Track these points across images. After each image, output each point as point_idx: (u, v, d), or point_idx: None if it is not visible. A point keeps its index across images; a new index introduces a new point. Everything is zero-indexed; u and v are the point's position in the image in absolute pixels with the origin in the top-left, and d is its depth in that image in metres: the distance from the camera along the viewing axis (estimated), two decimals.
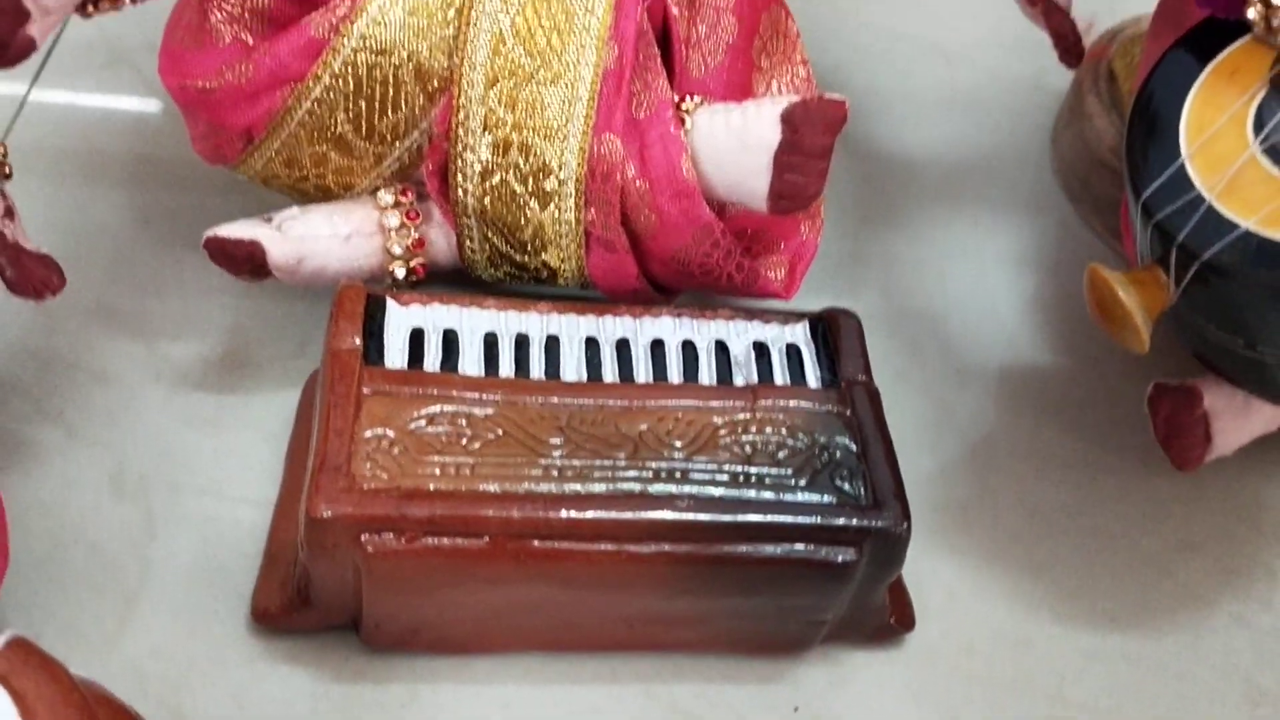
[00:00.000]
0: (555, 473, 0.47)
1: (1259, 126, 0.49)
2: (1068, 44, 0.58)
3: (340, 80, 0.52)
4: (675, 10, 0.56)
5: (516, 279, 0.57)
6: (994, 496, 0.60)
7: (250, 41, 0.54)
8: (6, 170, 0.48)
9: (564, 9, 0.52)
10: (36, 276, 0.47)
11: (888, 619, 0.53)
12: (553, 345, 0.51)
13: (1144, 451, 0.61)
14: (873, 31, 0.84)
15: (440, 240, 0.56)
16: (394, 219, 0.55)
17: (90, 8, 0.46)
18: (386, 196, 0.55)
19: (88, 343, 0.58)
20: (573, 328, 0.52)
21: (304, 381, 0.57)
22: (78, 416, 0.55)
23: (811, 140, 0.51)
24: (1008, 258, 0.70)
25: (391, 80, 0.52)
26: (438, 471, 0.46)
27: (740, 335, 0.53)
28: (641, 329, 0.53)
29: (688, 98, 0.54)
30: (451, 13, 0.52)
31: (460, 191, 0.53)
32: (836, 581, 0.48)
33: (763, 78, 0.59)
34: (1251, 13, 0.50)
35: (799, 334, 0.54)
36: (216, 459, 0.55)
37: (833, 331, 0.54)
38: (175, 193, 0.63)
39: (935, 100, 0.79)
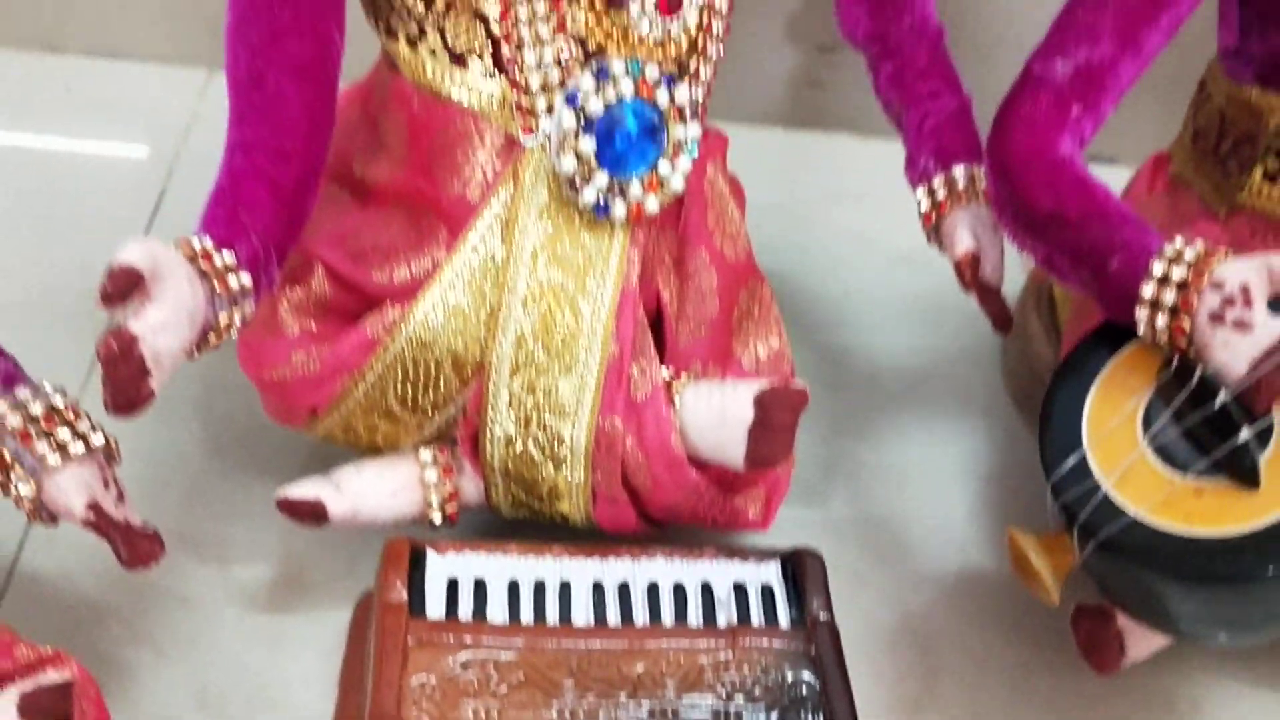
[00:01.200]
0: (568, 714, 0.58)
1: (1147, 425, 0.59)
2: (999, 320, 0.69)
3: (390, 370, 0.63)
4: (666, 295, 0.67)
5: (534, 520, 0.67)
6: (941, 694, 0.70)
7: (314, 328, 0.65)
8: (117, 457, 0.58)
9: (574, 314, 0.62)
10: (143, 551, 0.57)
11: None
12: (565, 591, 0.62)
13: (1074, 654, 0.71)
14: (843, 238, 0.95)
15: (471, 490, 0.66)
16: (433, 474, 0.65)
17: (195, 353, 0.56)
18: (426, 454, 0.66)
19: (171, 568, 0.68)
20: (582, 572, 0.63)
21: (354, 600, 0.68)
22: (165, 638, 0.66)
23: (779, 419, 0.62)
24: (960, 467, 0.81)
25: (433, 368, 0.63)
26: (470, 715, 0.57)
27: (723, 576, 0.64)
28: (639, 571, 0.63)
29: (680, 375, 0.65)
30: (484, 314, 0.63)
31: (488, 455, 0.64)
32: None
33: (742, 343, 0.70)
34: (1140, 313, 0.60)
35: (772, 573, 0.64)
36: (282, 676, 0.65)
37: (800, 572, 0.64)
38: (243, 425, 0.74)
39: (899, 306, 0.90)
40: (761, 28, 0.97)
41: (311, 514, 0.64)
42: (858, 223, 0.95)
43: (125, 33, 0.97)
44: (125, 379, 0.52)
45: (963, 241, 0.69)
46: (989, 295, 0.68)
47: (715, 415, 0.63)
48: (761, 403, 0.62)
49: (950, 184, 0.70)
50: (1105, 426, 0.60)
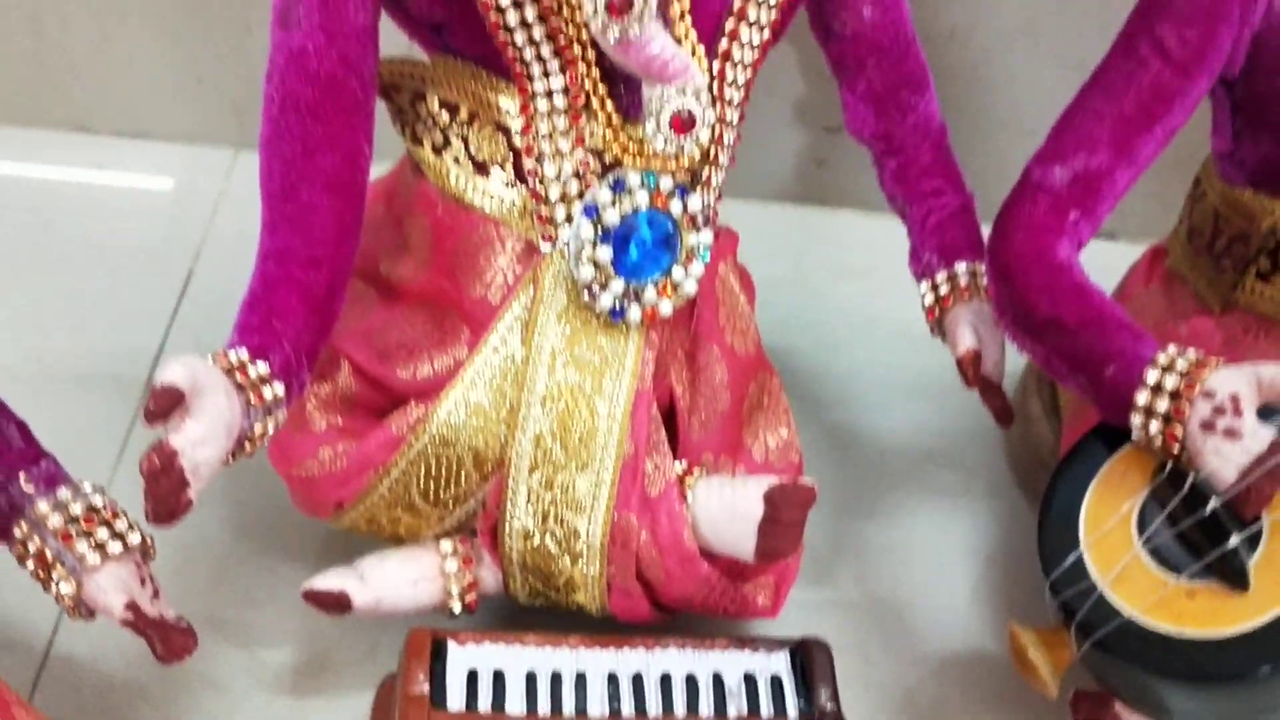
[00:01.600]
0: None
1: (1142, 527, 0.61)
2: (1000, 415, 0.71)
3: (414, 466, 0.65)
4: (679, 389, 0.69)
5: (551, 609, 0.69)
6: None
7: (340, 423, 0.67)
8: (152, 554, 0.61)
9: (591, 413, 0.65)
10: (178, 645, 0.59)
11: None
12: (580, 682, 0.64)
13: None
14: (849, 314, 0.97)
15: (489, 579, 0.69)
16: (453, 565, 0.68)
17: (231, 460, 0.59)
18: (447, 546, 0.68)
19: (199, 652, 0.70)
20: (597, 663, 0.65)
21: (376, 684, 0.70)
22: None
23: (788, 515, 0.64)
24: (965, 547, 0.83)
25: (455, 464, 0.65)
26: None
27: (733, 666, 0.66)
28: (653, 662, 0.66)
29: (692, 470, 0.67)
30: (504, 412, 0.65)
31: (507, 547, 0.66)
32: None
33: (752, 434, 0.72)
34: (1135, 419, 0.62)
35: (781, 664, 0.67)
36: None
37: (808, 663, 0.66)
38: (268, 509, 0.76)
39: (904, 384, 0.92)
40: (770, 109, 0.99)
41: (336, 604, 0.66)
42: (863, 299, 0.97)
43: (154, 114, 1.00)
44: (166, 492, 0.54)
45: (964, 339, 0.71)
46: (991, 391, 0.71)
47: (726, 511, 0.65)
48: (771, 499, 0.64)
49: (953, 280, 0.73)
50: (1102, 526, 0.62)
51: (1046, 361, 0.66)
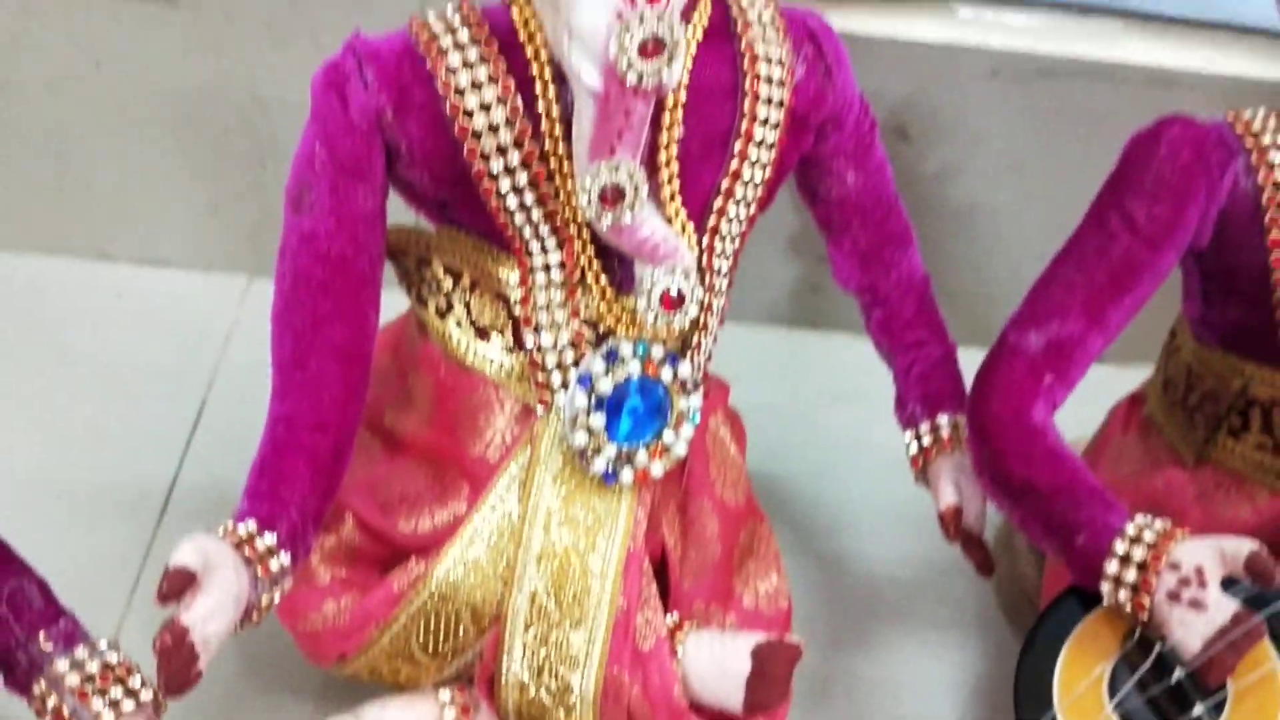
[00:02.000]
0: None
1: (1113, 691, 0.64)
2: (981, 568, 0.74)
3: (414, 620, 0.68)
4: (670, 541, 0.72)
5: None
6: None
7: (344, 575, 0.70)
8: (164, 708, 0.64)
9: (584, 571, 0.68)
10: None
11: None
12: None
13: None
14: (841, 440, 1.00)
15: None
16: (450, 714, 0.70)
17: (239, 629, 0.62)
18: (445, 694, 0.71)
19: None
20: None
21: None
22: None
23: (774, 671, 0.67)
24: (952, 680, 0.85)
25: (453, 619, 0.68)
26: None
27: None
28: None
29: (683, 625, 0.70)
30: (501, 568, 0.68)
31: (503, 698, 0.69)
32: None
33: (742, 581, 0.75)
34: (1105, 586, 0.65)
35: None
36: None
37: None
38: (273, 648, 0.79)
39: (895, 512, 0.94)
40: (766, 236, 1.03)
41: None
42: (855, 425, 1.00)
43: (171, 242, 1.04)
44: (178, 667, 0.57)
45: (946, 494, 0.74)
46: (972, 544, 0.73)
47: (716, 666, 0.68)
48: (758, 656, 0.67)
49: (935, 431, 0.75)
50: (1075, 689, 0.64)
51: (1022, 523, 0.69)
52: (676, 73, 0.59)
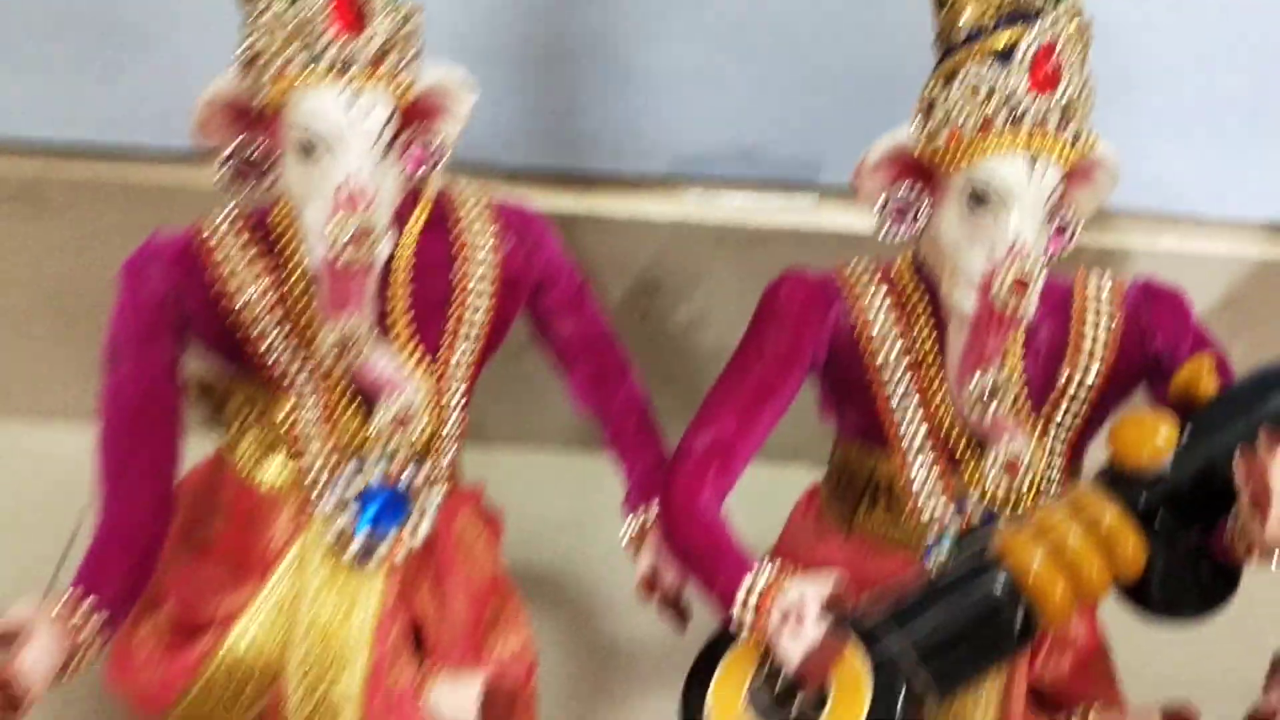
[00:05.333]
0: None
1: (751, 698, 0.83)
2: (676, 623, 0.93)
3: (211, 682, 0.87)
4: (427, 612, 0.91)
5: None
6: None
7: (164, 644, 0.89)
8: None
9: (345, 634, 0.87)
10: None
11: None
12: None
13: None
14: (607, 543, 1.19)
15: None
16: None
17: (63, 674, 0.80)
18: None
19: None
20: None
21: None
22: None
23: (497, 706, 0.85)
24: None
25: (243, 679, 0.87)
26: None
27: None
28: None
29: (433, 670, 0.89)
30: (279, 636, 0.87)
31: None
32: None
33: (491, 643, 0.94)
34: (736, 616, 0.84)
35: None
36: None
37: None
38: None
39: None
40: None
41: None
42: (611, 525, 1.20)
43: (52, 399, 1.24)
44: (5, 704, 0.76)
45: (642, 564, 0.94)
46: (665, 604, 0.93)
47: (453, 704, 0.87)
48: (484, 693, 0.86)
49: (644, 519, 0.96)
50: (723, 694, 0.84)
51: (686, 574, 0.89)
52: (384, 252, 0.81)
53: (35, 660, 0.77)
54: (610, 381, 0.98)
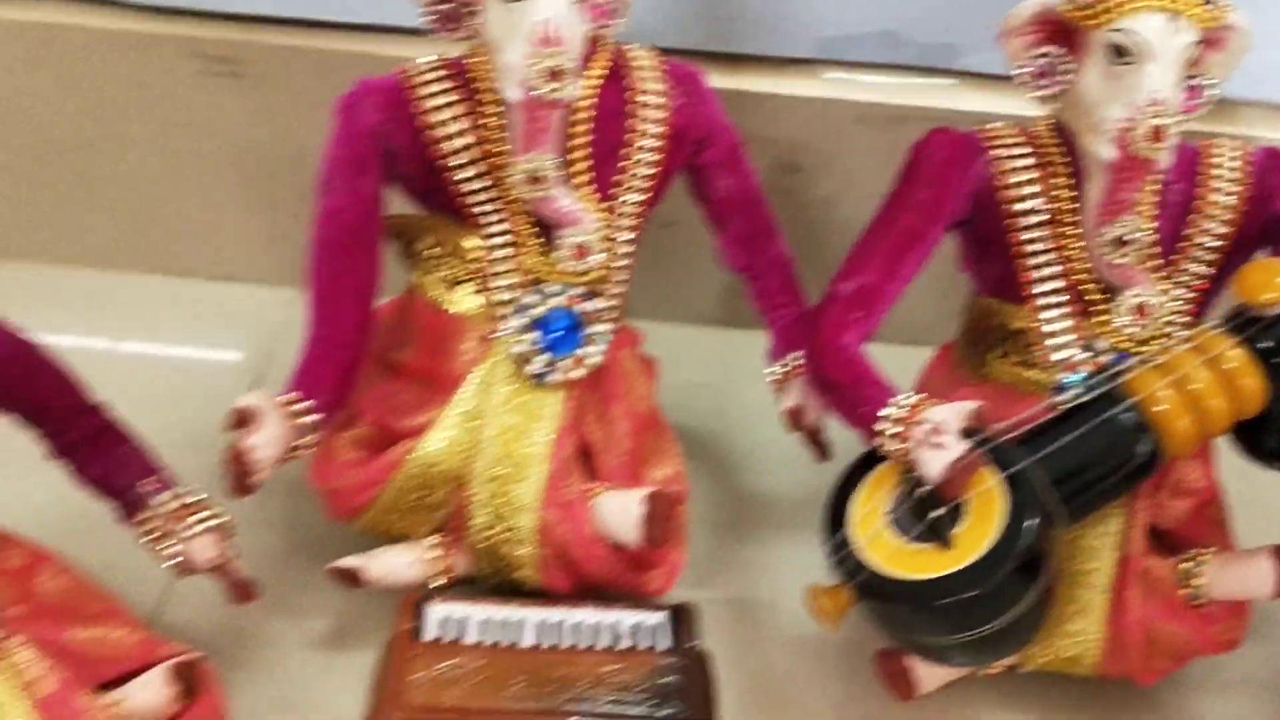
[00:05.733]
0: (518, 697, 0.89)
1: (890, 510, 0.91)
2: (818, 455, 1.02)
3: (405, 484, 0.97)
4: (593, 437, 1.01)
5: (502, 584, 1.00)
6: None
7: (358, 456, 0.99)
8: (232, 531, 0.92)
9: (527, 443, 0.96)
10: (244, 593, 0.90)
11: None
12: (520, 625, 0.95)
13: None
14: (753, 408, 1.28)
15: (460, 563, 1.00)
16: (435, 553, 0.99)
17: (283, 461, 0.91)
18: (431, 539, 0.99)
19: (257, 620, 1.00)
20: (532, 614, 0.95)
21: (382, 642, 1.00)
22: (253, 666, 0.98)
23: (659, 512, 0.95)
24: (817, 564, 1.12)
25: (433, 482, 0.97)
26: (450, 699, 0.89)
27: (628, 619, 0.96)
28: (571, 615, 0.96)
29: (599, 486, 0.98)
30: (467, 444, 0.97)
31: (471, 540, 0.97)
32: None
33: (648, 469, 1.03)
34: (879, 441, 0.92)
35: (662, 618, 0.97)
36: (330, 690, 0.97)
37: (682, 617, 0.97)
38: (311, 524, 1.07)
39: (792, 455, 1.22)
40: (698, 252, 1.33)
41: (350, 578, 0.97)
42: (761, 398, 1.29)
43: (235, 261, 1.36)
44: (238, 476, 0.87)
45: (790, 399, 1.02)
46: (811, 438, 1.02)
47: (619, 511, 0.96)
48: (648, 500, 0.95)
49: (787, 364, 1.04)
50: (864, 510, 0.92)
51: (831, 407, 0.97)
52: (572, 93, 0.89)
53: (265, 443, 0.88)
54: (760, 240, 1.06)
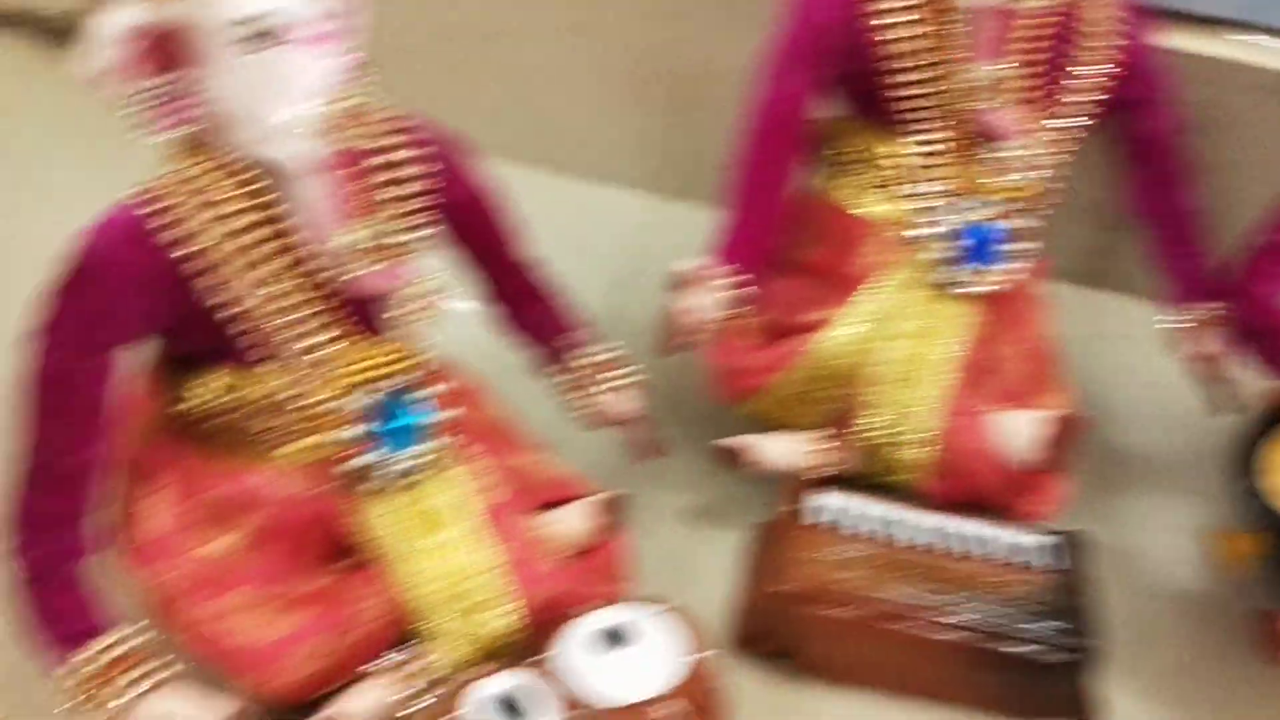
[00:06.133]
0: (900, 590, 0.90)
1: None
2: (1214, 406, 1.00)
3: (802, 373, 1.00)
4: (1003, 352, 1.01)
5: (879, 485, 1.00)
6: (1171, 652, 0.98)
7: (759, 344, 1.01)
8: None
9: (930, 351, 0.97)
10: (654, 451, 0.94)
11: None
12: (901, 524, 0.96)
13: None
14: (1123, 363, 1.25)
15: (845, 460, 1.01)
16: (823, 445, 1.00)
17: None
18: (818, 431, 1.01)
19: (645, 504, 1.03)
20: (915, 516, 0.96)
21: (744, 525, 1.02)
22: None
23: (1063, 435, 0.95)
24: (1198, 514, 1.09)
25: (828, 376, 0.99)
26: (842, 581, 0.91)
27: (1013, 536, 0.96)
28: (956, 525, 0.96)
29: (1002, 403, 0.99)
30: (864, 345, 0.99)
31: (858, 439, 0.99)
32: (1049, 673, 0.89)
33: (1041, 395, 1.02)
34: None
35: (1053, 541, 0.96)
36: (703, 566, 1.00)
37: (1072, 542, 0.96)
38: (696, 406, 1.10)
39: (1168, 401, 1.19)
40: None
41: (732, 458, 1.00)
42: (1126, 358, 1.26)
43: (621, 165, 1.39)
44: (674, 334, 0.93)
45: (1203, 345, 1.01)
46: (1214, 381, 1.00)
47: (1022, 429, 0.97)
48: (1056, 422, 0.96)
49: (1200, 314, 1.02)
50: (1275, 458, 0.90)
51: (1255, 356, 0.95)
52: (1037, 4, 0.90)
53: (701, 306, 0.92)
54: (1170, 187, 1.05)
